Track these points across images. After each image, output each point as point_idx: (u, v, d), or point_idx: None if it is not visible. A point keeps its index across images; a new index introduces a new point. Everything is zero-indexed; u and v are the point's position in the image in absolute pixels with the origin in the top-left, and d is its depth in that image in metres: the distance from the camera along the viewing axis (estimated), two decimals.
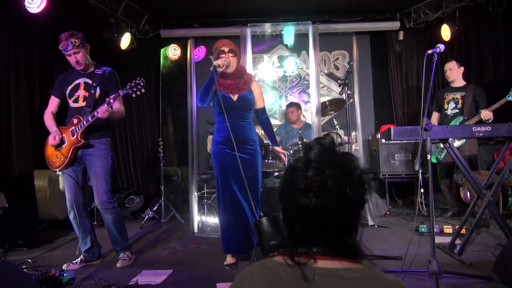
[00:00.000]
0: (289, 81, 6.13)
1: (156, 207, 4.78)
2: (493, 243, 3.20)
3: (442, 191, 4.43)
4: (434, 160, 4.17)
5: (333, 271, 0.82)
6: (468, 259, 2.79)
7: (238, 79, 2.95)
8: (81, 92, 2.95)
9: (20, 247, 3.48)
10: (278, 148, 3.30)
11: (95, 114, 2.78)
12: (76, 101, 2.96)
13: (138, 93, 2.77)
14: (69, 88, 2.98)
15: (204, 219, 4.45)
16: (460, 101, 4.11)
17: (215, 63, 2.78)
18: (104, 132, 3.01)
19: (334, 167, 0.84)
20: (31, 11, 3.66)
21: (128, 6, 5.17)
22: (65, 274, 2.53)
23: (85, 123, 2.83)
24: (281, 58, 6.08)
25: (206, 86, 2.82)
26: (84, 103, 2.91)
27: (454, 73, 4.15)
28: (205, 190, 4.69)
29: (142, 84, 2.77)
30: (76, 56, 2.89)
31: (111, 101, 2.77)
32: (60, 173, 2.98)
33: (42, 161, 3.11)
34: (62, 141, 2.92)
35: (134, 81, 2.77)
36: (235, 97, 2.94)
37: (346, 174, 0.84)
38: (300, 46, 5.65)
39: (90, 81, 2.96)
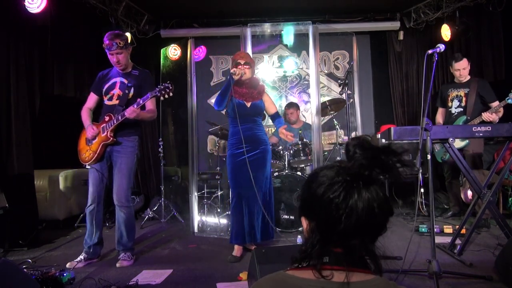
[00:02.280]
0: (289, 81, 6.13)
1: (156, 207, 4.77)
2: (493, 243, 3.20)
3: (447, 188, 4.46)
4: (439, 160, 4.18)
5: (363, 284, 0.81)
6: (468, 259, 2.79)
7: (252, 88, 3.23)
8: (116, 91, 3.07)
9: (20, 247, 3.47)
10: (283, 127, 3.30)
11: (124, 114, 2.89)
12: (110, 99, 3.07)
13: (167, 96, 2.86)
14: (106, 86, 3.11)
15: (204, 219, 4.45)
16: (463, 99, 3.98)
17: (231, 70, 3.07)
18: (133, 130, 3.12)
19: (376, 150, 0.84)
20: (31, 11, 3.66)
21: (128, 6, 5.17)
22: (65, 274, 2.53)
23: (115, 121, 2.95)
24: (281, 58, 6.08)
25: (223, 91, 3.11)
26: (117, 102, 3.02)
27: (467, 71, 3.99)
28: (205, 190, 4.69)
29: (171, 87, 2.86)
30: (118, 56, 3.00)
31: (141, 102, 2.89)
32: (89, 167, 3.08)
33: (42, 161, 3.13)
34: (94, 138, 3.04)
35: (163, 84, 2.86)
36: (248, 104, 3.21)
37: (389, 152, 0.84)
38: (300, 46, 5.64)
39: (125, 81, 3.08)
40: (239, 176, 3.13)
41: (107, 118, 3.01)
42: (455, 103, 4.07)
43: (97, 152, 2.99)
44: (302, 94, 6.10)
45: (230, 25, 5.23)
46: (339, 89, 4.19)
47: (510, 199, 4.21)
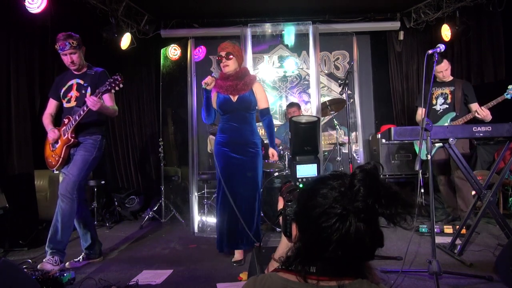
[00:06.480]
0: (289, 81, 6.13)
1: (156, 207, 4.77)
2: (493, 243, 3.20)
3: (441, 191, 4.20)
4: (424, 157, 4.05)
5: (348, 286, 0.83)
6: (468, 259, 2.79)
7: (238, 80, 2.98)
8: (73, 93, 3.03)
9: (20, 247, 3.47)
10: (272, 150, 3.16)
11: (85, 108, 2.80)
12: (68, 101, 3.03)
13: (117, 88, 2.80)
14: (63, 89, 3.06)
15: (204, 219, 4.45)
16: (449, 96, 3.95)
17: (203, 83, 2.89)
18: (96, 130, 3.05)
19: (380, 193, 0.83)
20: (31, 11, 3.66)
21: (128, 6, 5.17)
22: (65, 274, 2.52)
23: (73, 122, 2.89)
24: (281, 58, 6.08)
25: (205, 106, 2.95)
26: (75, 103, 2.98)
27: (449, 71, 4.01)
28: (205, 190, 4.69)
29: (120, 79, 2.79)
30: (72, 57, 2.95)
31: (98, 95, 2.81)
32: (57, 172, 3.03)
33: (42, 161, 3.13)
34: (56, 141, 2.99)
35: (112, 77, 2.80)
36: (235, 98, 2.99)
37: (393, 202, 0.83)
38: (300, 46, 5.65)
39: (82, 82, 3.03)
40: (228, 179, 2.92)
41: (66, 121, 2.96)
42: (440, 100, 4.02)
43: (62, 156, 2.95)
44: (302, 94, 6.10)
45: (230, 25, 5.23)
46: (339, 89, 4.19)
47: (510, 199, 4.21)
